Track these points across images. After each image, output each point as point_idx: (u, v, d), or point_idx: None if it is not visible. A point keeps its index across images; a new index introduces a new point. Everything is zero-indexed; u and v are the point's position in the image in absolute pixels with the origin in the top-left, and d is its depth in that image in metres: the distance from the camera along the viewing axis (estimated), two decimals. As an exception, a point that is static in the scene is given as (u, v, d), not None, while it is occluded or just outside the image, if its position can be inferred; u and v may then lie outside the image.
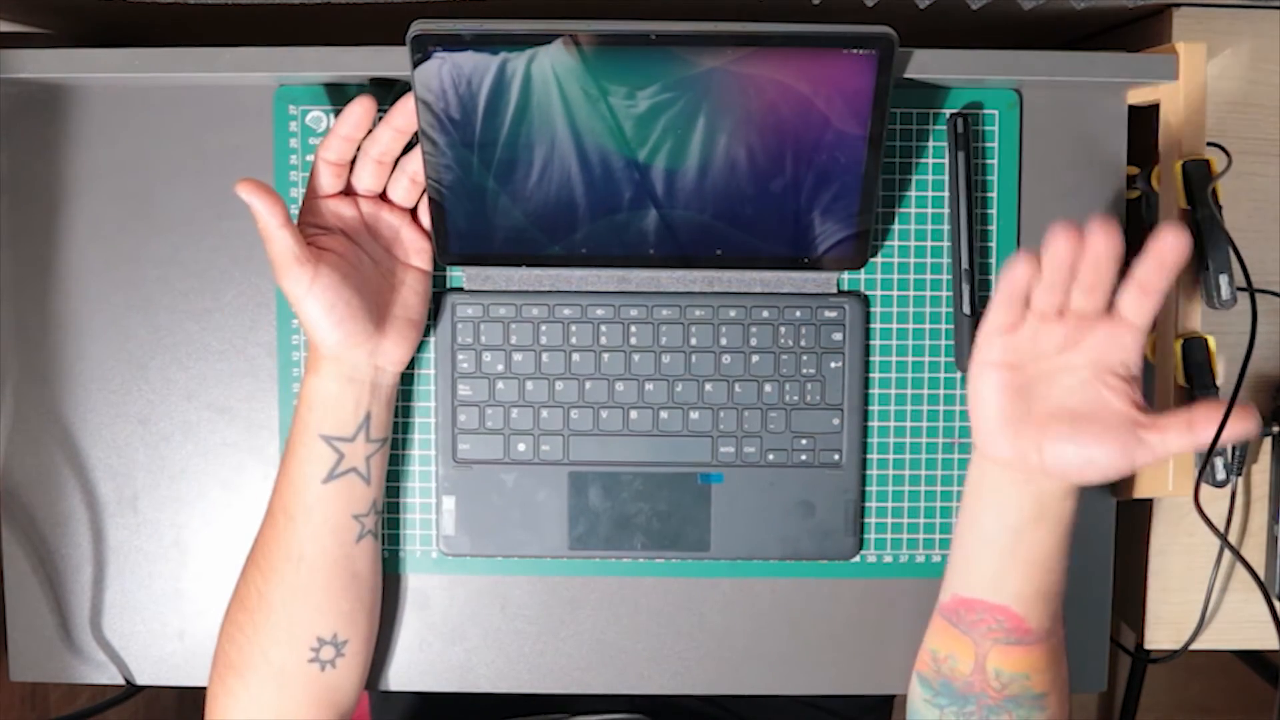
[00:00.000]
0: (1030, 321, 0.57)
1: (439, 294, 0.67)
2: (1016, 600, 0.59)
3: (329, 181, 0.61)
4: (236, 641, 0.62)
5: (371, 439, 0.63)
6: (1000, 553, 0.60)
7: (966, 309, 0.67)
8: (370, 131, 0.61)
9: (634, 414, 0.67)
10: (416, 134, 0.60)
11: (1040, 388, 0.57)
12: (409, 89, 0.58)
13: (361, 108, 0.60)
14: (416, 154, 0.61)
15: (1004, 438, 0.58)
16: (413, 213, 0.64)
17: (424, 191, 0.63)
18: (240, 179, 0.56)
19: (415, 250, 0.64)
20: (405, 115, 0.60)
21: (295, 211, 0.68)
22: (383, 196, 0.63)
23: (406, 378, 0.68)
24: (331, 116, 0.67)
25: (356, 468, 0.62)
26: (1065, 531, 0.59)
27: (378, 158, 0.61)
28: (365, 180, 0.62)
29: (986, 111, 0.67)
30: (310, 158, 0.67)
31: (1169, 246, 0.53)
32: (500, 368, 0.67)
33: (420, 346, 0.68)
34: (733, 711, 0.86)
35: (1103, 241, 0.53)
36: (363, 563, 0.64)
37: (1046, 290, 0.56)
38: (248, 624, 0.62)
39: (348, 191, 0.62)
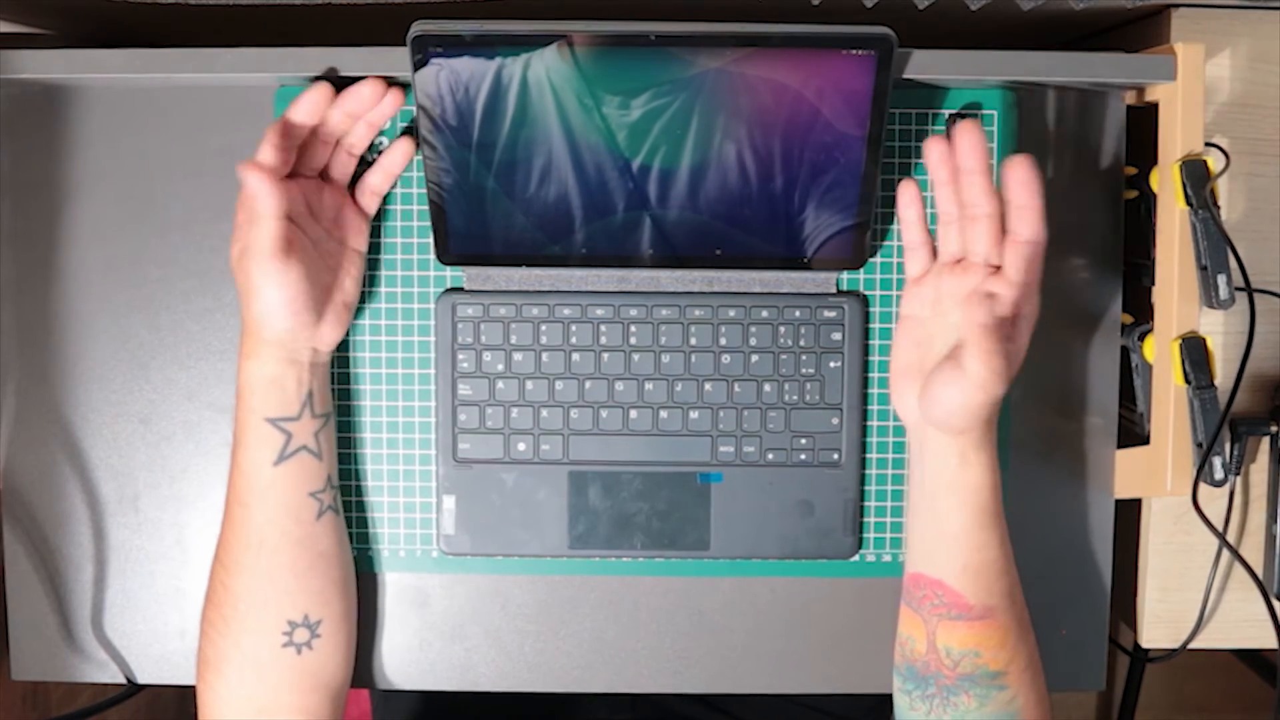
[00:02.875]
0: (934, 270, 0.62)
1: (439, 294, 0.67)
2: (949, 574, 0.60)
3: (271, 160, 0.59)
4: (210, 638, 0.62)
5: (316, 414, 0.63)
6: (925, 525, 0.62)
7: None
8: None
9: (634, 413, 0.67)
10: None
11: (937, 341, 0.61)
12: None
13: (320, 94, 0.60)
14: (356, 128, 0.62)
15: (898, 391, 0.62)
16: (351, 193, 0.65)
17: (384, 170, 0.64)
18: (242, 163, 0.56)
19: (355, 231, 0.64)
20: (356, 99, 0.60)
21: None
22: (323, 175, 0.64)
23: (407, 377, 0.68)
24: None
25: (306, 445, 0.62)
26: (980, 505, 0.59)
27: (323, 138, 0.62)
28: (312, 160, 0.62)
29: (986, 112, 0.67)
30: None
31: (1021, 180, 0.56)
32: (500, 367, 0.67)
33: (421, 346, 0.68)
34: (731, 714, 0.87)
35: (963, 134, 0.58)
36: (327, 540, 0.64)
37: (942, 225, 0.61)
38: (218, 619, 0.62)
39: (291, 175, 0.62)
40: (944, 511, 0.60)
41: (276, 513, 0.62)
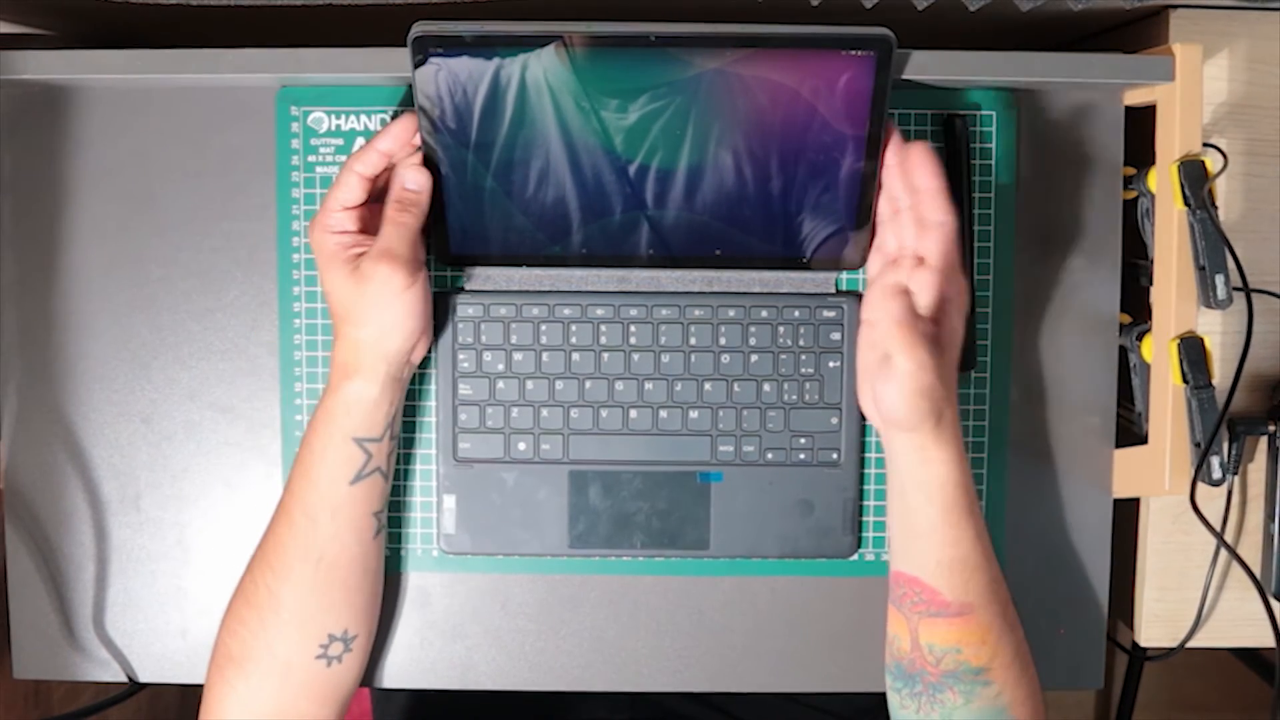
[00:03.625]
0: (880, 271, 0.62)
1: (440, 294, 0.67)
2: (924, 571, 0.60)
3: (357, 194, 0.60)
4: (239, 635, 0.62)
5: (393, 437, 0.63)
6: (899, 522, 0.62)
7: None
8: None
9: (634, 413, 0.67)
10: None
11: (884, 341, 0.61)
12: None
13: (407, 124, 0.60)
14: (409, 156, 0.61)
15: (862, 394, 0.63)
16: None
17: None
18: (404, 165, 0.59)
19: (424, 249, 0.64)
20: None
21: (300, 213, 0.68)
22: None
23: (407, 377, 0.69)
24: (333, 117, 0.67)
25: (380, 467, 0.62)
26: (946, 501, 0.59)
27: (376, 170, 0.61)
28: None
29: (984, 112, 0.68)
30: (312, 158, 0.68)
31: (916, 164, 0.58)
32: (501, 367, 0.67)
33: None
34: (731, 713, 0.87)
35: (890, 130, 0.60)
36: (375, 558, 0.64)
37: (881, 225, 0.62)
38: (253, 619, 0.61)
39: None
40: (913, 508, 0.60)
41: (343, 530, 0.62)
